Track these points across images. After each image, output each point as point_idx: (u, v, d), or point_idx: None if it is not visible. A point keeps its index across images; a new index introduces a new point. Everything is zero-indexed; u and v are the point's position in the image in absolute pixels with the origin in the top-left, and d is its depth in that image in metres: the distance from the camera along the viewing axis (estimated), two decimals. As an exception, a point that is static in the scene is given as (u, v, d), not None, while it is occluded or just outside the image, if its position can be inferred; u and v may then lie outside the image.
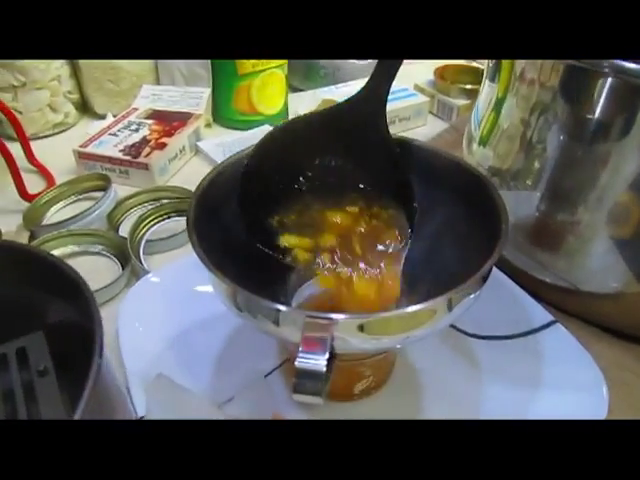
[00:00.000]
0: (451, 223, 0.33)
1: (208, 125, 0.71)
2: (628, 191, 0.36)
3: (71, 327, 0.25)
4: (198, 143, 0.66)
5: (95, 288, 0.44)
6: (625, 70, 0.32)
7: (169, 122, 0.65)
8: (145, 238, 0.49)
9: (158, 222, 0.51)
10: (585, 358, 0.37)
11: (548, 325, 0.39)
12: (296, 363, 0.22)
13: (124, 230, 0.51)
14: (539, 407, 0.35)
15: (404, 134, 0.70)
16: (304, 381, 0.22)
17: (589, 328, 0.41)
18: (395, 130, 0.72)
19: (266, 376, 0.38)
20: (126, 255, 0.47)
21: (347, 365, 0.34)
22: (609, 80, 0.34)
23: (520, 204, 0.43)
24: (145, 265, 0.47)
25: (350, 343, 0.26)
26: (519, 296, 0.42)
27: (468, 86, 0.71)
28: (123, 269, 0.46)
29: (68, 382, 0.27)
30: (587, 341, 0.38)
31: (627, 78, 0.33)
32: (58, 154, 0.64)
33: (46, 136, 0.70)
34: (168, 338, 0.38)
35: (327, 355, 0.22)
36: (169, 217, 0.51)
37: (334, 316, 0.23)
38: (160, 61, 0.72)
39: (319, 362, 0.22)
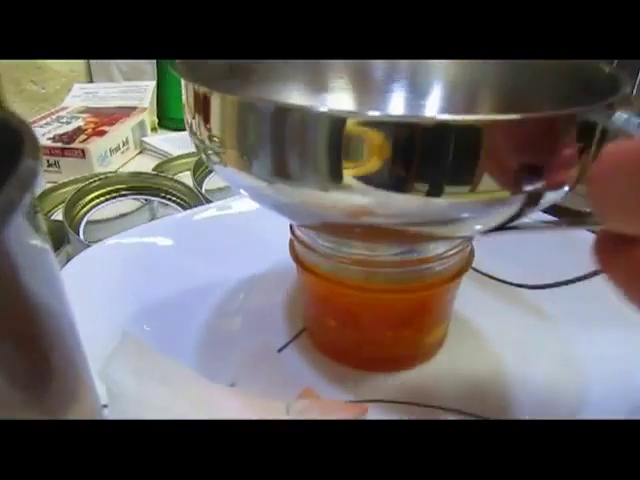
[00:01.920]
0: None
1: (154, 129, 0.61)
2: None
3: None
4: (144, 139, 0.56)
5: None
6: None
7: (108, 115, 0.55)
8: (85, 219, 0.38)
9: (104, 200, 0.39)
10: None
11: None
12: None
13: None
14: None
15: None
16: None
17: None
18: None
19: (280, 350, 0.27)
20: (59, 238, 0.35)
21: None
22: None
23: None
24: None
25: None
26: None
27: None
28: (56, 252, 0.34)
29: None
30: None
31: None
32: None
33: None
34: (132, 313, 0.27)
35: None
36: (119, 195, 0.40)
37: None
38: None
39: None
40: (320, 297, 0.25)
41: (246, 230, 0.33)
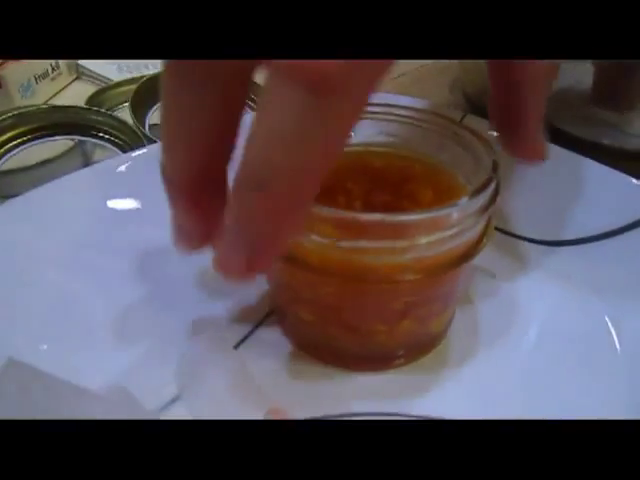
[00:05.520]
0: None
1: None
2: None
3: None
4: (81, 61, 0.46)
5: None
6: None
7: (32, 32, 0.45)
8: (-5, 168, 0.30)
9: (19, 143, 0.31)
10: None
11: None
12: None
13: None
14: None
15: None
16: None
17: None
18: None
19: (236, 346, 0.20)
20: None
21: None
22: None
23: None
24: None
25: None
26: (601, 174, 0.27)
27: None
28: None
29: None
30: None
31: None
32: None
33: None
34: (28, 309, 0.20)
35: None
36: (38, 135, 0.32)
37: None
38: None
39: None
40: (290, 287, 0.19)
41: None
